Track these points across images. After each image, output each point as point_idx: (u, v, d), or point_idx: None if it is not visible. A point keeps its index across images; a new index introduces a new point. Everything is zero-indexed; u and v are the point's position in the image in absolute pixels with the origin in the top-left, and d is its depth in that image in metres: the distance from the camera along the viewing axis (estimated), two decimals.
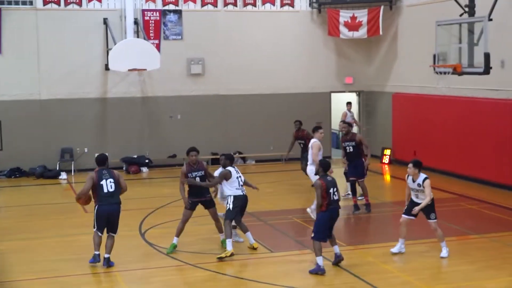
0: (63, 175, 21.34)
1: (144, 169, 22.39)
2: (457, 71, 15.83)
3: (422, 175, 11.92)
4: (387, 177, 21.77)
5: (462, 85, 19.35)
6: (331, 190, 11.23)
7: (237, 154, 23.49)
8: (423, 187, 11.83)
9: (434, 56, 16.66)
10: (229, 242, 12.12)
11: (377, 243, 13.38)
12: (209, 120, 23.46)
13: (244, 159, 23.79)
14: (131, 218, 15.56)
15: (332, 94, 24.95)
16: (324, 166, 11.38)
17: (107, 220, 11.89)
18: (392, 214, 15.75)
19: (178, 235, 12.72)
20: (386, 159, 23.46)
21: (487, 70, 15.29)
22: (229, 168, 12.55)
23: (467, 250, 12.64)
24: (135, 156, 22.54)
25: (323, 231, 11.29)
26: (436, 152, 20.66)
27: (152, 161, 22.67)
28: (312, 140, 15.30)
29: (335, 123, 26.21)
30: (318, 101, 24.48)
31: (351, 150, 15.97)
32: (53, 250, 13.09)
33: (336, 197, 11.32)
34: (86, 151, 22.19)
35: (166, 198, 17.77)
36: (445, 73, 16.06)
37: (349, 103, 23.53)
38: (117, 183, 11.86)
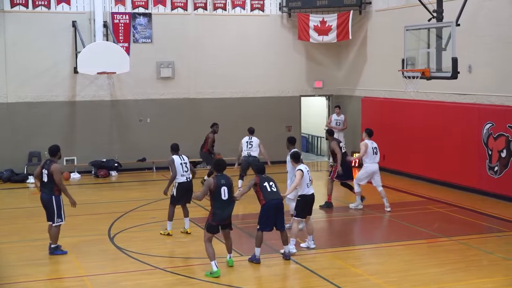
0: (31, 179, 21.10)
1: (113, 173, 22.23)
2: (425, 75, 15.97)
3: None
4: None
5: (430, 90, 19.55)
6: (265, 184, 12.13)
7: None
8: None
9: (403, 60, 16.81)
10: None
11: (346, 246, 13.44)
12: (178, 123, 23.39)
13: None
14: (100, 222, 15.47)
15: (303, 98, 25.04)
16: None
17: (44, 208, 12.89)
18: (361, 218, 15.84)
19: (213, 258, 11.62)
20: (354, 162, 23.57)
21: (454, 74, 15.46)
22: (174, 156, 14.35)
23: (436, 252, 12.75)
24: (104, 160, 22.37)
25: (265, 222, 12.11)
26: (405, 156, 20.85)
27: (121, 164, 22.52)
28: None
29: (305, 127, 26.37)
30: (288, 105, 24.54)
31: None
32: (21, 254, 12.92)
33: (274, 189, 12.13)
34: None
35: (135, 202, 17.67)
36: (413, 77, 16.20)
37: (337, 107, 23.52)
38: (50, 175, 12.60)
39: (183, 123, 23.44)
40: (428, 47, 16.30)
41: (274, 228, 12.23)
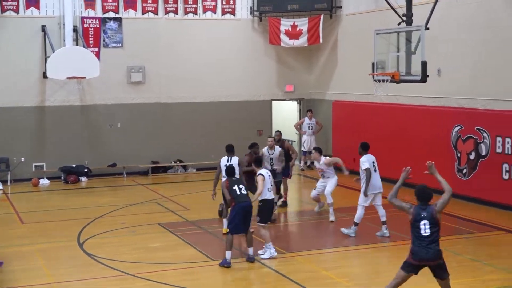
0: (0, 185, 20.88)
1: (83, 179, 22.05)
2: (395, 79, 16.07)
3: None
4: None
5: (400, 93, 19.69)
6: (235, 187, 12.37)
7: (178, 162, 23.40)
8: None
9: (373, 64, 16.89)
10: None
11: (317, 249, 13.47)
12: (149, 128, 23.28)
13: (185, 168, 23.70)
14: (69, 228, 15.34)
15: (274, 102, 25.09)
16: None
17: None
18: (334, 221, 15.86)
19: None
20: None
21: (424, 78, 15.58)
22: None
23: (405, 255, 12.79)
24: (74, 166, 22.16)
25: (236, 223, 12.25)
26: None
27: (91, 170, 22.35)
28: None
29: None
30: (259, 109, 24.56)
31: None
32: None
33: (243, 192, 12.36)
34: (22, 160, 21.76)
35: (105, 208, 17.56)
36: (383, 81, 16.31)
37: (309, 111, 23.65)
38: None
39: (154, 128, 23.33)
40: (398, 51, 16.42)
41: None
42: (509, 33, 16.65)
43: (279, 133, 17.72)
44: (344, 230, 14.39)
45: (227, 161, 14.39)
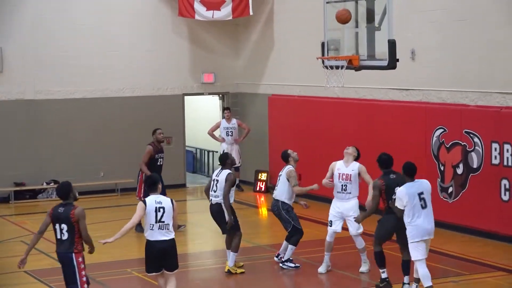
0: None
1: None
2: (353, 64, 16.10)
3: None
4: (263, 211, 21.96)
5: (361, 84, 19.82)
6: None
7: (52, 184, 23.02)
8: None
9: (323, 44, 16.90)
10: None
11: None
12: (9, 136, 22.90)
13: None
14: None
15: (187, 98, 24.97)
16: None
17: None
18: (271, 262, 15.80)
19: None
20: (261, 186, 23.67)
21: (392, 63, 15.62)
22: None
23: None
24: None
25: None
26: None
27: None
28: None
29: (192, 139, 26.29)
30: (166, 108, 24.44)
31: (162, 163, 18.70)
32: None
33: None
34: None
35: None
36: (337, 67, 16.34)
37: (227, 109, 23.56)
38: None
39: (16, 136, 22.95)
40: (357, 26, 16.47)
41: None
42: None
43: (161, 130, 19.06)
44: None
45: (216, 175, 15.29)
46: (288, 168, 15.32)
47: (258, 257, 16.51)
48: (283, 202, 15.27)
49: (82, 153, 23.44)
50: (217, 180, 15.03)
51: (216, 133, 23.77)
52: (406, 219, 12.78)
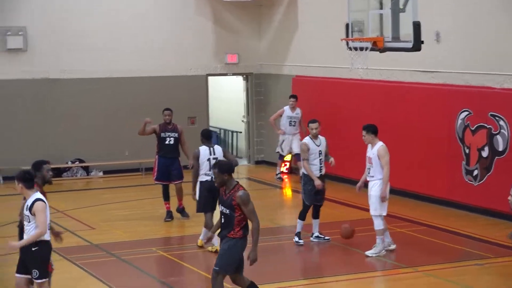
0: None
1: None
2: (377, 46, 16.18)
3: None
4: (288, 191, 22.05)
5: (385, 66, 19.82)
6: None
7: (77, 162, 23.18)
8: None
9: (347, 26, 16.95)
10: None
11: (282, 281, 13.53)
12: (33, 115, 23.08)
13: (87, 170, 23.49)
14: None
15: (210, 78, 25.06)
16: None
17: None
18: (293, 243, 15.92)
19: None
20: (284, 167, 23.75)
21: (417, 45, 15.69)
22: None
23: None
24: None
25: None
26: (351, 156, 20.99)
27: None
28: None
29: (215, 119, 26.40)
30: (190, 88, 24.51)
31: (172, 142, 18.10)
32: None
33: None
34: None
35: None
36: (361, 49, 16.40)
37: (293, 97, 22.37)
38: None
39: (41, 114, 23.11)
40: (381, 8, 16.53)
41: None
42: None
43: (169, 111, 18.20)
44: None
45: (210, 154, 15.25)
46: (302, 142, 15.99)
47: (283, 237, 16.61)
48: (303, 174, 15.78)
49: (106, 132, 23.57)
50: (216, 158, 14.96)
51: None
52: None
